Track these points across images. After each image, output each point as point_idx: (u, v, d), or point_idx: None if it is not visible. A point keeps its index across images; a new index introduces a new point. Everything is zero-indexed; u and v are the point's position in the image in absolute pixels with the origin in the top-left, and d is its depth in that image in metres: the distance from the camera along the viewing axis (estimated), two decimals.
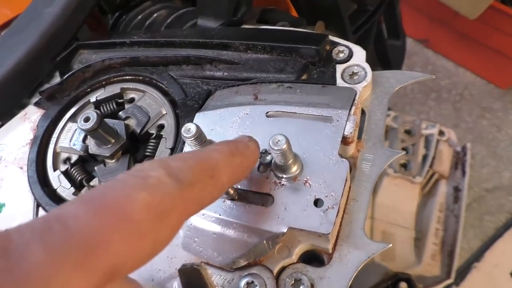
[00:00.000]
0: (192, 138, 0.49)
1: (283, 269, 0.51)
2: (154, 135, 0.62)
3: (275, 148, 0.46)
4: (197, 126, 0.49)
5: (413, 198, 1.19)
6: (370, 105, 0.61)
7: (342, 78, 0.60)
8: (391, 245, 0.51)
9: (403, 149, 1.24)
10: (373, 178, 0.55)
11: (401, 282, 1.04)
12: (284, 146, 0.46)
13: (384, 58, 1.02)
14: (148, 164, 0.35)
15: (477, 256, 1.16)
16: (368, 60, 0.62)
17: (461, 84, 1.41)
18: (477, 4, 1.04)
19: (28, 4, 0.69)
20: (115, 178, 0.33)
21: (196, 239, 0.51)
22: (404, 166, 1.22)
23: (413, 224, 1.18)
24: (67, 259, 0.26)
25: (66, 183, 0.61)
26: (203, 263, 0.49)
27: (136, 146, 0.63)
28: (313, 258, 0.53)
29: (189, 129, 0.49)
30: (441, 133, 1.26)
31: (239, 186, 0.52)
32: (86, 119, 0.57)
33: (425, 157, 1.23)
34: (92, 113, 0.57)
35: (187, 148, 0.56)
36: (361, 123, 0.59)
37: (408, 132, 1.26)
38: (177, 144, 0.60)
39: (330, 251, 0.51)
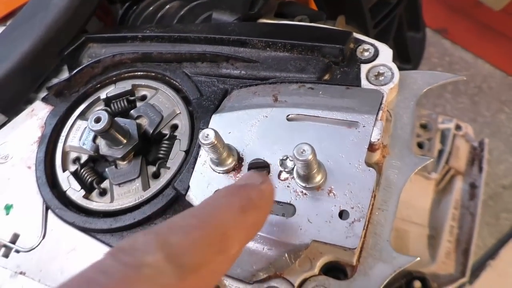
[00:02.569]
0: (210, 145, 0.46)
1: (304, 281, 0.49)
2: (167, 136, 0.60)
3: (300, 158, 0.43)
4: (216, 133, 0.46)
5: (428, 194, 1.16)
6: (396, 107, 0.57)
7: (367, 79, 0.56)
8: (419, 258, 0.48)
9: (419, 144, 1.21)
10: (399, 186, 0.52)
11: (415, 281, 1.02)
12: (310, 157, 0.43)
13: (403, 52, 0.98)
14: (142, 240, 0.28)
15: (492, 253, 1.13)
16: None
17: (479, 76, 1.36)
18: None
19: None
20: (98, 265, 0.26)
21: None
22: None
23: (427, 221, 1.15)
24: None
25: (76, 185, 0.59)
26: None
27: (149, 147, 0.60)
28: (335, 268, 0.51)
29: (207, 135, 0.46)
30: (458, 127, 1.22)
31: None
32: (97, 120, 0.54)
33: (440, 153, 1.20)
34: (103, 113, 0.54)
35: (203, 153, 0.53)
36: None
37: (423, 126, 1.23)
38: (192, 147, 0.57)
39: (354, 263, 0.48)
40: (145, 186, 0.57)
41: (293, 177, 0.49)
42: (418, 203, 1.15)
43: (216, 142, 0.46)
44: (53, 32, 0.64)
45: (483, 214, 1.21)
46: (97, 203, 0.57)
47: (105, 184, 0.59)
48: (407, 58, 1.01)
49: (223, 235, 0.32)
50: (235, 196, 0.36)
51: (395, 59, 1.04)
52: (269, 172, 0.50)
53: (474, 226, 1.11)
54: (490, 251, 1.15)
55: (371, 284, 0.48)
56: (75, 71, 0.64)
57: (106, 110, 0.64)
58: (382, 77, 0.56)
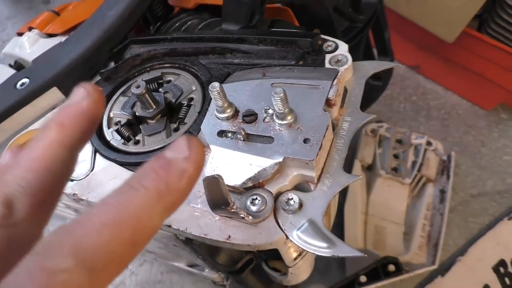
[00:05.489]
0: (216, 92, 0.68)
1: (280, 194, 0.68)
2: (185, 104, 0.82)
3: (276, 96, 0.64)
4: (220, 84, 0.68)
5: (403, 197, 1.34)
6: (351, 84, 0.79)
7: (330, 63, 0.79)
8: (360, 176, 0.67)
9: (394, 155, 1.41)
10: (350, 133, 0.73)
11: (390, 264, 1.17)
12: (282, 94, 0.64)
13: (375, 74, 1.21)
14: (56, 244, 0.28)
15: (462, 251, 1.28)
16: None
17: (449, 105, 1.58)
18: (452, 28, 1.23)
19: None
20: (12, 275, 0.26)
21: (216, 167, 0.69)
22: (395, 169, 1.38)
23: (403, 220, 1.32)
24: None
25: (117, 136, 0.80)
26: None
27: (172, 113, 0.82)
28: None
29: (214, 86, 0.68)
30: (428, 143, 1.43)
31: (249, 132, 0.70)
32: (137, 86, 0.77)
33: (414, 163, 1.39)
34: (141, 82, 0.77)
35: (211, 107, 0.75)
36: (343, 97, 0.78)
37: (399, 141, 1.43)
38: (203, 109, 0.79)
39: (316, 180, 0.68)
40: (168, 136, 0.78)
41: (273, 120, 0.70)
42: (395, 205, 1.33)
43: (220, 91, 0.68)
44: (107, 35, 0.89)
45: (453, 217, 1.38)
46: (133, 148, 0.78)
47: (139, 137, 0.80)
48: (378, 77, 1.24)
49: (136, 228, 0.31)
50: (152, 180, 0.34)
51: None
52: (256, 117, 0.72)
53: (443, 224, 1.27)
54: (460, 249, 1.29)
55: (327, 193, 0.66)
56: (121, 61, 0.88)
57: None
58: (340, 62, 0.78)
